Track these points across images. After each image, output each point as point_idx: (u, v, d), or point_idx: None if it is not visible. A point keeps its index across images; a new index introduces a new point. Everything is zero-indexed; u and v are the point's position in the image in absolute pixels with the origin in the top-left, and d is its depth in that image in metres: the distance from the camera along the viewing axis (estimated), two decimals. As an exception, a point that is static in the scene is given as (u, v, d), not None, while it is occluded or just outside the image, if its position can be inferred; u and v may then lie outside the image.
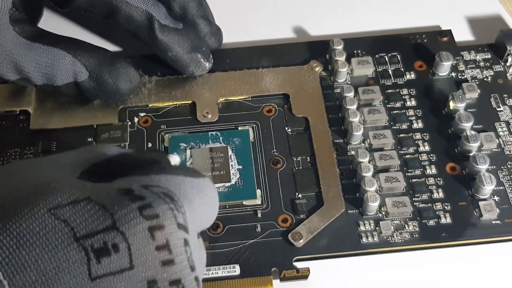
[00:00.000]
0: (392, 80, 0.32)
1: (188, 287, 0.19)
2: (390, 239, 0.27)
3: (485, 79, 0.32)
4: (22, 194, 0.18)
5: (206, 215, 0.21)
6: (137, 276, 0.18)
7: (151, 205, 0.19)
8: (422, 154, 0.29)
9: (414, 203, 0.28)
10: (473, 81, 0.32)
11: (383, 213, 0.27)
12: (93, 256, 0.17)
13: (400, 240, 0.27)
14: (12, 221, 0.17)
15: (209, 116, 0.30)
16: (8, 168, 0.20)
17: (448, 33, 0.33)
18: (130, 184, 0.19)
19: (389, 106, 0.31)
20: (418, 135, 0.30)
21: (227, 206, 0.28)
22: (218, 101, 0.31)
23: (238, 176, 0.28)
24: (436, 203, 0.28)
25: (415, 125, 0.30)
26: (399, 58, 0.33)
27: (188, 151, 0.29)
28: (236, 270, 0.26)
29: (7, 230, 0.17)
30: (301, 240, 0.26)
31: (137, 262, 0.18)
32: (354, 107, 0.30)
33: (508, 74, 0.32)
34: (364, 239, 0.27)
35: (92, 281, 0.17)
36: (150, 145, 0.30)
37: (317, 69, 0.32)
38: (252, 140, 0.30)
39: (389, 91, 0.31)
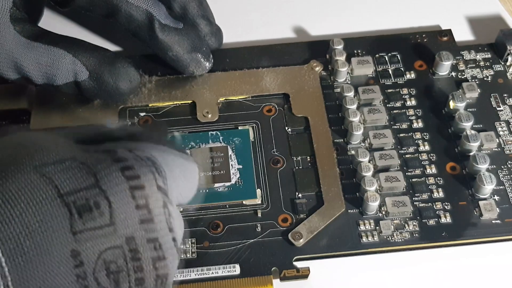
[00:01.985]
0: (392, 80, 0.32)
1: (165, 245, 0.20)
2: (390, 238, 0.27)
3: (485, 79, 0.32)
4: (9, 153, 0.19)
5: (186, 188, 0.22)
6: (116, 232, 0.18)
7: (133, 167, 0.19)
8: (422, 154, 0.29)
9: (414, 203, 0.28)
10: (473, 80, 0.32)
11: (383, 212, 0.27)
12: (75, 212, 0.18)
13: (400, 240, 0.27)
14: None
15: (209, 115, 0.30)
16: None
17: (448, 32, 0.33)
18: (115, 146, 0.20)
19: (389, 105, 0.31)
20: (418, 135, 0.30)
21: (227, 206, 0.28)
22: (218, 101, 0.31)
23: (238, 175, 0.29)
24: (436, 203, 0.28)
25: (415, 125, 0.30)
26: (399, 58, 0.33)
27: (188, 151, 0.29)
28: (236, 269, 0.26)
29: None
30: (301, 240, 0.26)
31: (117, 219, 0.18)
32: (354, 106, 0.30)
33: (508, 74, 0.32)
34: (364, 239, 0.27)
35: (74, 235, 0.18)
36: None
37: (317, 68, 0.32)
38: (252, 140, 0.30)
39: (389, 90, 0.31)
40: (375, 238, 0.27)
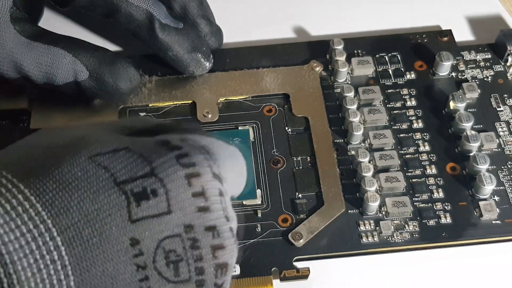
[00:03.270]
0: (392, 80, 0.32)
1: (223, 234, 0.19)
2: (390, 239, 0.27)
3: (485, 79, 0.32)
4: (63, 145, 0.19)
5: (237, 180, 0.22)
6: (175, 220, 0.18)
7: (188, 154, 0.19)
8: (422, 154, 0.29)
9: (414, 203, 0.28)
10: (473, 81, 0.32)
11: (383, 213, 0.27)
12: (133, 200, 0.18)
13: (400, 240, 0.27)
14: (54, 167, 0.18)
15: (209, 116, 0.30)
16: (49, 129, 0.21)
17: (448, 33, 0.33)
18: (168, 137, 0.20)
19: (389, 106, 0.31)
20: (418, 135, 0.30)
21: (227, 206, 0.28)
22: (218, 101, 0.31)
23: (238, 176, 0.28)
24: (436, 203, 0.28)
25: (415, 125, 0.30)
26: (399, 58, 0.33)
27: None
28: (236, 270, 0.26)
29: (50, 175, 0.17)
30: (301, 240, 0.26)
31: (174, 207, 0.18)
32: (354, 107, 0.30)
33: (508, 74, 0.32)
34: (364, 239, 0.27)
35: (132, 223, 0.17)
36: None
37: (317, 69, 0.32)
38: (252, 140, 0.30)
39: (389, 91, 0.31)
40: (375, 239, 0.27)
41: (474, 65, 0.32)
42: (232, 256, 0.20)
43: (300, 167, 0.29)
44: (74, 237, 0.17)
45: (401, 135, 0.30)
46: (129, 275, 0.17)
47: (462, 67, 0.32)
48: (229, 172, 0.21)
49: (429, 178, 0.28)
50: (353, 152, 0.29)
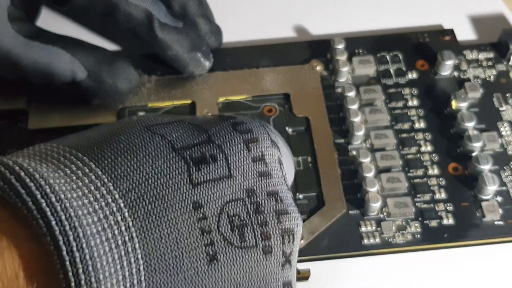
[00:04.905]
0: (393, 80, 0.32)
1: (285, 201, 0.19)
2: (391, 240, 0.27)
3: (487, 79, 0.32)
4: (118, 125, 0.19)
5: (290, 169, 0.22)
6: (236, 184, 0.18)
7: (244, 122, 0.19)
8: (424, 154, 0.29)
9: (416, 204, 0.27)
10: (475, 80, 0.31)
11: (385, 213, 0.27)
12: (192, 164, 0.17)
13: (401, 241, 0.26)
14: (111, 138, 0.18)
15: (209, 116, 0.30)
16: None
17: (450, 32, 0.33)
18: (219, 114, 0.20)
19: (391, 105, 0.31)
20: (420, 135, 0.30)
21: (227, 207, 0.28)
22: (218, 101, 0.31)
23: (238, 176, 0.28)
24: (438, 204, 0.27)
25: (417, 125, 0.30)
26: (400, 58, 0.32)
27: None
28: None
29: (107, 144, 0.18)
30: (302, 241, 0.26)
31: (235, 172, 0.18)
32: (355, 106, 0.30)
33: (511, 74, 0.32)
34: (365, 240, 0.27)
35: (194, 187, 0.17)
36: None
37: (318, 68, 0.32)
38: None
39: (390, 90, 0.31)
40: (377, 240, 0.27)
41: (476, 65, 0.32)
42: (298, 224, 0.19)
43: (301, 167, 0.29)
44: (136, 200, 0.17)
45: (403, 135, 0.30)
46: (194, 240, 0.17)
47: (464, 66, 0.32)
48: (284, 157, 0.20)
49: (431, 179, 0.28)
50: (354, 152, 0.29)
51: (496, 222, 0.27)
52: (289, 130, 0.30)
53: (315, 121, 0.30)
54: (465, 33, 0.34)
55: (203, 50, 0.31)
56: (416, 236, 0.27)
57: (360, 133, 0.29)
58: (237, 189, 0.18)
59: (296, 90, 0.31)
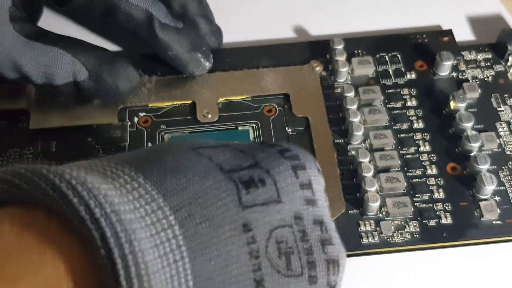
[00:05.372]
0: (392, 80, 0.32)
1: (330, 231, 0.18)
2: (390, 239, 0.27)
3: (486, 79, 0.32)
4: (165, 145, 0.19)
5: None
6: (285, 209, 0.17)
7: (290, 149, 0.19)
8: (422, 154, 0.29)
9: (415, 203, 0.28)
10: (474, 81, 0.32)
11: (384, 213, 0.27)
12: (242, 187, 0.17)
13: (400, 241, 0.27)
14: (157, 154, 0.17)
15: (209, 116, 0.30)
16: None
17: (449, 32, 0.33)
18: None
19: (390, 106, 0.31)
20: (418, 135, 0.30)
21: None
22: (218, 101, 0.31)
23: (238, 176, 0.28)
24: (437, 204, 0.28)
25: (415, 125, 0.30)
26: (399, 58, 0.32)
27: None
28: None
29: (154, 160, 0.17)
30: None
31: (284, 197, 0.18)
32: (354, 107, 0.30)
33: (509, 74, 0.32)
34: (364, 240, 0.27)
35: (244, 209, 0.17)
36: (150, 145, 0.30)
37: (317, 69, 0.32)
38: (252, 140, 0.30)
39: (389, 91, 0.31)
40: (376, 239, 0.27)
41: (474, 65, 0.32)
42: (342, 256, 0.19)
43: (300, 167, 0.29)
44: (186, 218, 0.16)
45: (402, 135, 0.30)
46: (243, 263, 0.16)
47: (462, 67, 0.32)
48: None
49: (429, 179, 0.28)
50: (353, 152, 0.29)
51: (494, 222, 0.27)
52: (289, 130, 0.30)
53: (314, 121, 0.30)
54: (463, 33, 0.34)
55: (203, 50, 0.31)
56: (415, 235, 0.27)
57: (359, 133, 0.29)
58: (285, 215, 0.17)
59: (295, 90, 0.31)
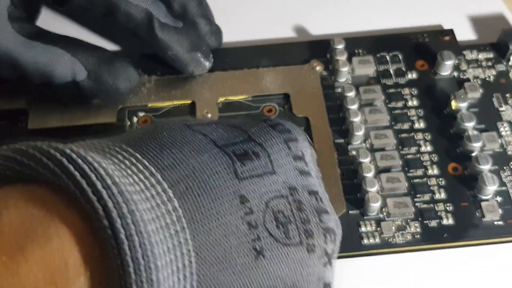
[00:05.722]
0: (393, 80, 0.32)
1: (325, 202, 0.19)
2: (391, 240, 0.27)
3: (487, 79, 0.32)
4: (159, 125, 0.19)
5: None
6: (280, 181, 0.18)
7: (281, 123, 0.19)
8: (423, 154, 0.29)
9: (416, 204, 0.27)
10: (475, 80, 0.31)
11: (384, 213, 0.27)
12: (236, 160, 0.18)
13: (401, 241, 0.26)
14: (152, 133, 0.18)
15: (209, 116, 0.30)
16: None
17: (450, 32, 0.33)
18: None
19: (391, 106, 0.31)
20: (419, 135, 0.30)
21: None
22: (218, 101, 0.31)
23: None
24: (438, 204, 0.27)
25: (416, 125, 0.30)
26: (400, 58, 0.32)
27: None
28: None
29: (149, 138, 0.18)
30: (302, 241, 0.26)
31: (278, 169, 0.18)
32: (355, 107, 0.30)
33: (510, 74, 0.32)
34: (365, 240, 0.26)
35: (240, 182, 0.17)
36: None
37: (317, 68, 0.32)
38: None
39: (390, 90, 0.31)
40: (376, 240, 0.27)
41: (476, 65, 0.32)
42: (337, 225, 0.19)
43: (301, 168, 0.29)
44: (185, 192, 0.17)
45: (403, 135, 0.30)
46: (242, 234, 0.17)
47: (464, 66, 0.32)
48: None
49: (430, 179, 0.28)
50: (354, 153, 0.29)
51: (495, 222, 0.27)
52: (289, 130, 0.30)
53: (315, 121, 0.30)
54: (465, 33, 0.34)
55: (203, 50, 0.31)
56: (415, 236, 0.27)
57: (360, 133, 0.29)
58: (280, 186, 0.18)
59: (296, 90, 0.31)
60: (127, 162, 0.17)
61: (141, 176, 0.16)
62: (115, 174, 0.16)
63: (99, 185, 0.15)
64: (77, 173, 0.15)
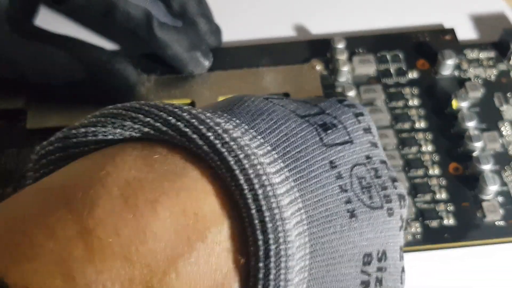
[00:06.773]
0: (394, 79, 0.31)
1: (393, 170, 0.20)
2: (392, 240, 0.26)
3: (488, 78, 0.31)
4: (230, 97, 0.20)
5: None
6: (357, 149, 0.19)
7: (346, 99, 0.20)
8: (424, 154, 0.29)
9: (416, 204, 0.27)
10: (476, 80, 0.31)
11: (385, 214, 0.27)
12: (320, 129, 0.18)
13: (402, 242, 0.26)
14: (238, 103, 0.18)
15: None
16: None
17: (451, 31, 0.33)
18: None
19: (391, 105, 0.30)
20: (420, 135, 0.29)
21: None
22: (218, 100, 0.31)
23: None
24: (439, 204, 0.27)
25: (417, 125, 0.30)
26: (401, 57, 0.32)
27: None
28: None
29: (239, 107, 0.18)
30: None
31: (355, 139, 0.19)
32: (355, 106, 0.30)
33: (511, 73, 0.31)
34: (365, 241, 0.26)
35: (327, 148, 0.18)
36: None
37: (318, 68, 0.32)
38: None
39: (391, 90, 0.31)
40: (377, 240, 0.26)
41: (477, 64, 0.32)
42: (405, 192, 0.20)
43: (301, 168, 0.29)
44: (285, 154, 0.17)
45: (403, 135, 0.29)
46: (336, 196, 0.17)
47: (465, 66, 0.32)
48: None
49: (431, 179, 0.28)
50: (354, 152, 0.29)
51: (497, 223, 0.27)
52: (289, 129, 0.30)
53: (315, 121, 0.30)
54: (466, 32, 0.34)
55: (203, 49, 0.31)
56: (416, 236, 0.26)
57: (360, 132, 0.29)
58: (359, 154, 0.19)
59: (296, 90, 0.31)
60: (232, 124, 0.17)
61: (251, 137, 0.17)
62: (233, 133, 0.16)
63: (226, 137, 0.16)
64: (203, 128, 0.16)
